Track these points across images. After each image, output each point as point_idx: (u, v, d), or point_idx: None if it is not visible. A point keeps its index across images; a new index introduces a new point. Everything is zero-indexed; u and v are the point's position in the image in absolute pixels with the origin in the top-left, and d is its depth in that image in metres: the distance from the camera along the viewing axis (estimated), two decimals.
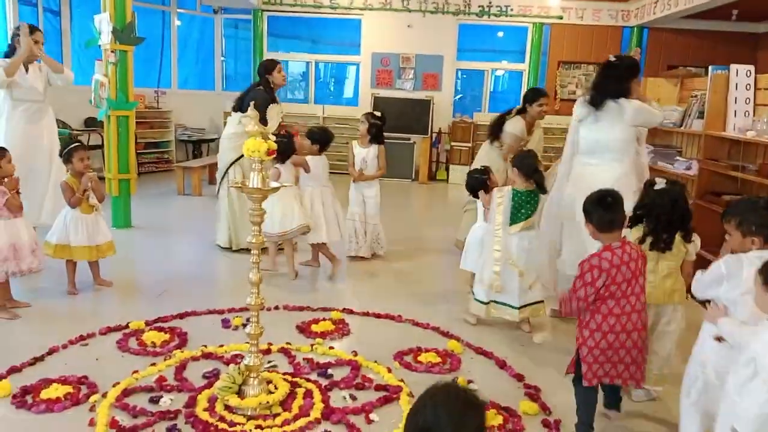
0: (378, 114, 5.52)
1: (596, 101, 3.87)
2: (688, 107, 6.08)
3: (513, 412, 2.93)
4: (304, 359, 3.41)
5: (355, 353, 3.50)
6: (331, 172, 5.28)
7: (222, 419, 2.75)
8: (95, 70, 6.01)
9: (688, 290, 2.71)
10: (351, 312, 4.17)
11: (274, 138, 2.82)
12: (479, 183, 4.22)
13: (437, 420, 1.37)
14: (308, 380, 3.16)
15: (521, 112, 5.32)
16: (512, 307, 3.87)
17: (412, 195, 9.77)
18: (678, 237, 2.95)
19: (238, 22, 12.26)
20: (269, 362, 3.22)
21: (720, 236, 2.54)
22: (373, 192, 5.40)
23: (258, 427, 2.71)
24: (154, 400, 2.90)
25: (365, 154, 5.35)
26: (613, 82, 3.83)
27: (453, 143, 10.85)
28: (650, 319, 2.99)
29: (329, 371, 3.28)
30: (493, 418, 2.82)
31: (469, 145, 10.72)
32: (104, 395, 2.91)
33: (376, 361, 3.40)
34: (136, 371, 3.16)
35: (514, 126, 5.21)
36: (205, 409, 2.83)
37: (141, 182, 7.30)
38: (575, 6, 10.77)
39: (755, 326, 2.06)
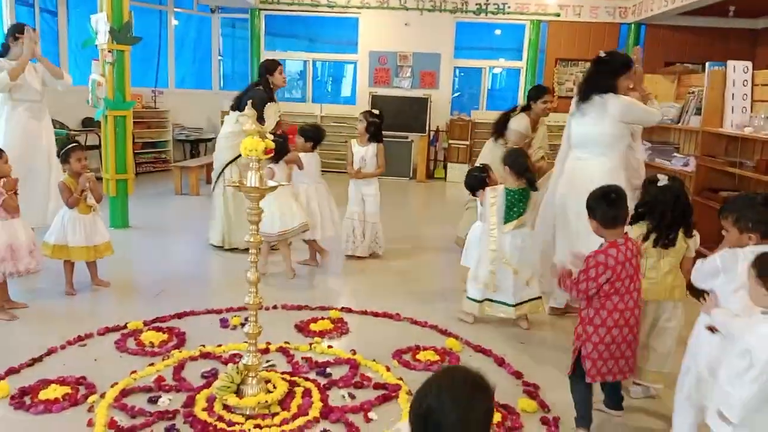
0: (376, 112, 5.51)
1: (582, 95, 3.92)
2: (686, 104, 6.08)
3: (512, 409, 2.93)
4: (302, 358, 3.41)
5: (354, 352, 3.50)
6: (329, 171, 5.29)
7: (220, 419, 2.75)
8: (92, 70, 6.00)
9: (688, 287, 2.73)
10: (349, 311, 4.17)
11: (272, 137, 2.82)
12: (478, 181, 4.22)
13: (441, 405, 1.32)
14: (307, 379, 3.16)
15: (525, 109, 5.31)
16: (507, 305, 3.90)
17: (409, 193, 9.77)
18: (680, 233, 2.96)
19: (235, 21, 12.25)
20: (268, 361, 3.21)
21: (718, 233, 2.54)
22: (372, 190, 5.40)
23: (257, 426, 2.71)
24: (153, 400, 2.90)
25: (364, 153, 5.35)
26: (601, 77, 3.87)
27: (451, 141, 10.85)
28: (650, 316, 3.00)
29: (328, 370, 3.28)
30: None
31: (467, 143, 10.73)
32: (102, 396, 2.91)
33: (374, 360, 3.40)
34: (134, 371, 3.16)
35: (518, 123, 5.21)
36: (203, 409, 2.82)
37: (138, 182, 7.29)
38: (572, 3, 10.77)
39: (748, 318, 2.08)
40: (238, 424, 2.72)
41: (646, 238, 2.92)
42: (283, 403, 2.90)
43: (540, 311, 4.02)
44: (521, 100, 10.79)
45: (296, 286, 4.73)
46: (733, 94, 5.36)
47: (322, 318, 4.01)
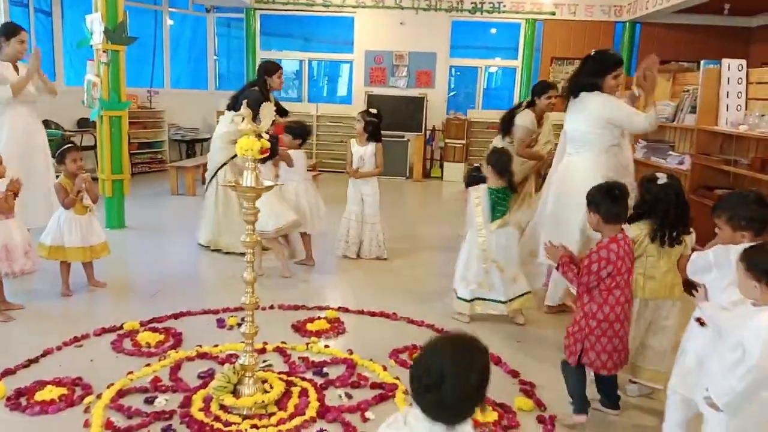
0: (374, 111, 5.51)
1: (567, 92, 4.01)
2: (681, 102, 6.10)
3: (508, 408, 2.94)
4: (299, 358, 3.42)
5: (351, 352, 3.50)
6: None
7: (217, 419, 2.75)
8: (87, 70, 5.99)
9: (684, 285, 2.75)
10: (346, 310, 4.17)
11: (267, 137, 2.82)
12: (476, 181, 4.24)
13: (441, 367, 1.39)
14: (303, 379, 3.16)
15: (530, 105, 5.32)
16: (499, 302, 3.95)
17: (406, 193, 9.76)
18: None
19: (231, 20, 12.23)
20: (264, 361, 3.21)
21: (713, 231, 2.55)
22: (371, 190, 5.40)
23: (253, 426, 2.71)
24: (149, 401, 2.89)
25: (363, 152, 5.35)
26: (587, 75, 3.91)
27: (447, 140, 10.85)
28: (649, 315, 3.03)
29: (324, 370, 3.28)
30: (489, 415, 2.83)
31: (463, 142, 10.73)
32: (99, 396, 2.91)
33: (371, 360, 3.40)
34: (130, 372, 3.16)
35: (524, 119, 5.22)
36: (200, 409, 2.83)
37: (134, 182, 7.27)
38: (568, 2, 10.78)
39: (736, 311, 2.11)
40: (235, 424, 2.72)
41: (653, 237, 2.93)
42: (280, 403, 2.91)
43: (532, 306, 4.05)
44: (517, 99, 10.86)
45: (293, 285, 4.73)
46: (727, 92, 5.39)
47: (319, 318, 4.01)
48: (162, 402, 2.89)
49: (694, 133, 5.62)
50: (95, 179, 5.02)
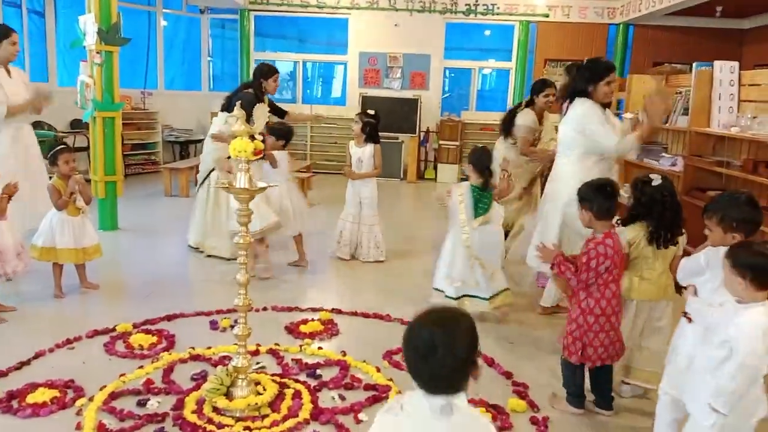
0: (371, 112, 5.51)
1: (562, 98, 4.13)
2: (674, 104, 6.11)
3: (501, 409, 2.94)
4: (292, 360, 3.41)
5: (344, 353, 3.50)
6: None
7: (210, 421, 2.75)
8: (80, 71, 5.97)
9: (676, 285, 2.76)
10: (339, 312, 4.17)
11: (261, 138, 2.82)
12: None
13: (432, 336, 1.43)
14: (297, 381, 3.16)
15: (529, 104, 5.33)
16: (483, 298, 4.00)
17: (401, 194, 9.77)
18: None
19: (225, 21, 12.21)
20: (257, 363, 3.21)
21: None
22: (369, 191, 5.40)
23: (246, 428, 2.71)
24: (142, 403, 2.89)
25: (361, 154, 5.36)
26: (576, 81, 3.98)
27: (441, 142, 10.86)
28: (643, 316, 3.04)
29: (318, 372, 3.28)
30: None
31: (457, 143, 10.74)
32: (91, 399, 2.90)
33: (365, 361, 3.40)
34: (123, 374, 3.15)
35: (524, 118, 5.22)
36: (193, 412, 2.82)
37: (128, 184, 7.25)
38: (561, 4, 10.82)
39: (720, 306, 2.13)
40: (228, 426, 2.71)
41: (651, 239, 2.94)
42: (273, 405, 2.90)
43: (512, 302, 4.11)
44: (511, 101, 10.88)
45: (286, 287, 4.72)
46: (720, 94, 5.40)
47: (312, 319, 4.00)
48: (155, 404, 2.88)
49: (687, 134, 5.64)
50: (88, 180, 5.00)
